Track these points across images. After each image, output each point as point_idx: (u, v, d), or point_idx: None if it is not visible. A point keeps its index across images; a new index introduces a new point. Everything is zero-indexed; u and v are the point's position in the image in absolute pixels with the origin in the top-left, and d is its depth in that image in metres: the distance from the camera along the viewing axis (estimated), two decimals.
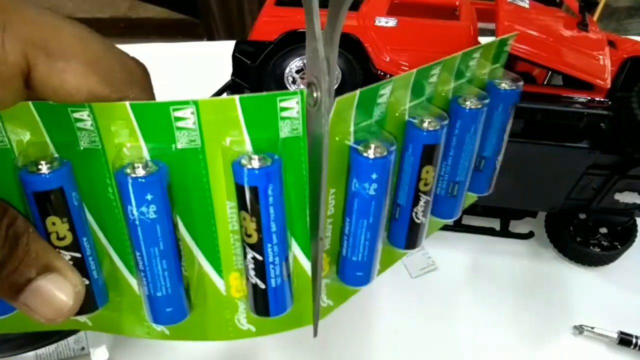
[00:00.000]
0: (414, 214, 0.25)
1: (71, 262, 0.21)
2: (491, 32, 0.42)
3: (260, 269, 0.22)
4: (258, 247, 0.22)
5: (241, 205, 0.21)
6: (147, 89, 0.21)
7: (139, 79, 0.21)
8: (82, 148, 0.20)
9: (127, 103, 0.19)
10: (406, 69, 0.42)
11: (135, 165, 0.20)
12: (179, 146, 0.20)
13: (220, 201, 0.22)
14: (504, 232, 0.54)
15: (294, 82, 0.41)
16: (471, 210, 0.52)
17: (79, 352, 0.42)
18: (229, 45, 0.44)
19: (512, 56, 0.41)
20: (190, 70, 0.73)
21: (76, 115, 0.19)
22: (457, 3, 0.48)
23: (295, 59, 0.42)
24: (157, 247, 0.21)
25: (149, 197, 0.20)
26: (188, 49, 0.78)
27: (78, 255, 0.22)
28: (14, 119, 0.20)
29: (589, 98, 0.41)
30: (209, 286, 0.24)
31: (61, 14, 0.19)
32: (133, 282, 0.24)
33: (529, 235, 0.54)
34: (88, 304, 0.22)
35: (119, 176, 0.20)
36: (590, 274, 0.52)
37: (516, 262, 0.52)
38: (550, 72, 0.50)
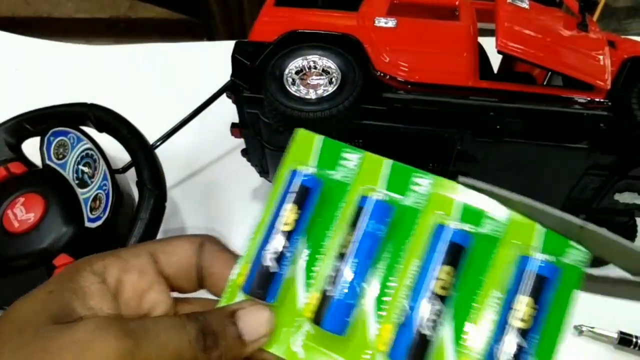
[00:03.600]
0: None
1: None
2: (491, 33, 0.42)
3: (518, 356, 0.24)
4: (524, 333, 0.24)
5: (525, 290, 0.24)
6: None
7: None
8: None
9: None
10: (406, 69, 0.42)
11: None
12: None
13: (489, 289, 0.26)
14: None
15: (293, 83, 0.41)
16: None
17: None
18: (228, 46, 0.44)
19: (512, 57, 0.41)
20: (190, 70, 0.73)
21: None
22: (456, 3, 0.48)
23: (295, 59, 0.42)
24: None
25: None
26: (188, 49, 0.78)
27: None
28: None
29: (589, 99, 0.41)
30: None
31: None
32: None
33: None
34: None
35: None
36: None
37: None
38: (549, 72, 0.50)
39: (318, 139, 0.29)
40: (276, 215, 0.27)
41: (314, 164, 0.28)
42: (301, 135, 0.29)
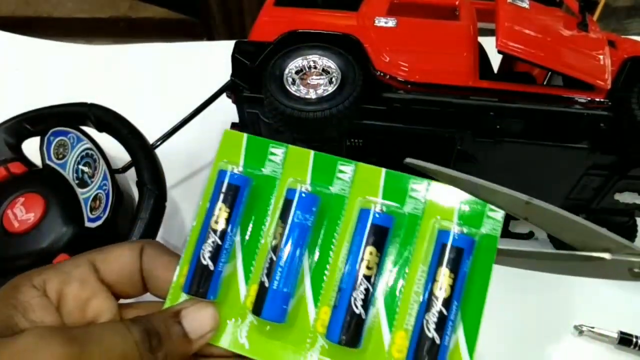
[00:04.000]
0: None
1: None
2: (491, 32, 0.42)
3: (441, 324, 0.26)
4: (446, 303, 0.26)
5: (444, 262, 0.26)
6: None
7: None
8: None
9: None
10: (406, 69, 0.42)
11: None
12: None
13: (415, 263, 0.27)
14: (504, 232, 0.54)
15: (293, 82, 0.41)
16: None
17: None
18: (228, 46, 0.44)
19: (512, 56, 0.41)
20: (190, 70, 0.73)
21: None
22: (456, 3, 0.48)
23: (295, 59, 0.42)
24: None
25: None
26: (188, 49, 0.78)
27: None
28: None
29: (589, 98, 0.41)
30: (376, 336, 0.27)
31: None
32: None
33: (529, 235, 0.54)
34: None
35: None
36: None
37: None
38: (550, 72, 0.50)
39: (244, 138, 0.30)
40: (209, 215, 0.28)
41: (242, 162, 0.30)
42: (228, 135, 0.30)
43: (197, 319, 0.27)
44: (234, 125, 0.48)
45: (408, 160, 0.28)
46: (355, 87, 0.41)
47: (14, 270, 0.45)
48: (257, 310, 0.27)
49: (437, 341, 0.25)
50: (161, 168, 0.48)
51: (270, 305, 0.27)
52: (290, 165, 0.29)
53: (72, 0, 1.76)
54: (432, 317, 0.26)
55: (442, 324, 0.26)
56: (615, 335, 0.46)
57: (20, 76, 0.74)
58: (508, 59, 0.52)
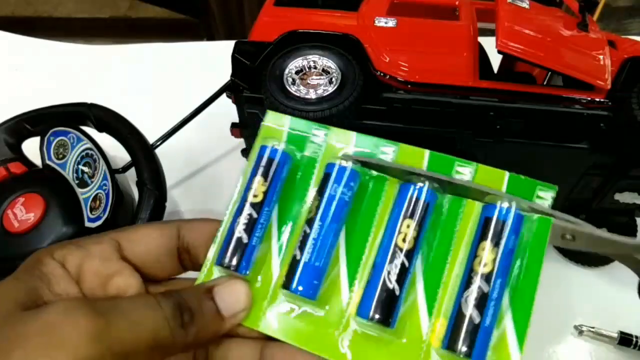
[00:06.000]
0: None
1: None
2: (491, 32, 0.42)
3: (482, 302, 0.23)
4: (487, 279, 0.24)
5: (486, 236, 0.24)
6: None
7: None
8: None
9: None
10: (406, 69, 0.42)
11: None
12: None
13: (458, 245, 0.26)
14: None
15: (293, 82, 0.41)
16: None
17: None
18: (228, 46, 0.44)
19: (512, 56, 0.41)
20: (190, 70, 0.73)
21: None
22: (456, 3, 0.48)
23: (295, 59, 0.42)
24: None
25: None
26: (188, 49, 0.78)
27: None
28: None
29: (589, 98, 0.41)
30: (414, 322, 0.25)
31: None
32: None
33: None
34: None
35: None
36: (590, 274, 0.51)
37: None
38: (550, 72, 0.50)
39: (287, 119, 0.30)
40: (247, 188, 0.28)
41: (284, 140, 0.29)
42: (270, 115, 0.30)
43: (231, 296, 0.26)
44: (234, 125, 0.48)
45: (343, 154, 0.28)
46: (355, 87, 0.41)
47: (14, 270, 0.45)
48: (287, 283, 0.26)
49: (477, 320, 0.23)
50: (161, 168, 0.48)
51: (301, 278, 0.26)
52: (331, 147, 0.29)
53: (72, 0, 1.76)
54: (471, 295, 0.23)
55: (482, 301, 0.23)
56: (615, 335, 0.46)
57: (20, 76, 0.74)
58: (508, 59, 0.52)
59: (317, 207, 0.27)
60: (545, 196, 0.26)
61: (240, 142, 0.50)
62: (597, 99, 0.41)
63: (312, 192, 0.28)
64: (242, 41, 0.45)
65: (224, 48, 0.47)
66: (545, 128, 0.42)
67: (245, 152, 0.52)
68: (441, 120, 0.42)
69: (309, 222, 0.27)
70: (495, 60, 0.50)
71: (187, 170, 0.62)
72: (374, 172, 0.28)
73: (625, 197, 0.46)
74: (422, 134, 0.43)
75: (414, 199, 0.26)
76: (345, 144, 0.28)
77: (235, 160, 0.60)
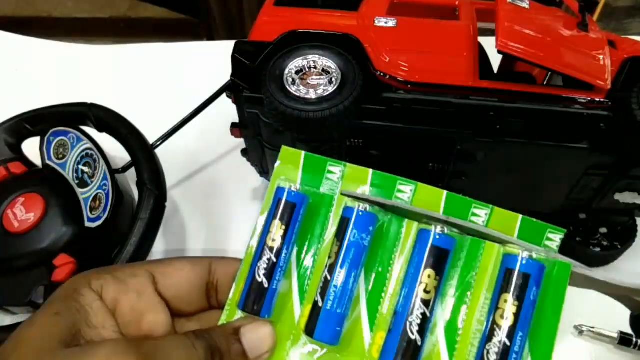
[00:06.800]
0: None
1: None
2: (491, 33, 0.42)
3: (504, 356, 0.24)
4: (510, 333, 0.24)
5: (508, 289, 0.25)
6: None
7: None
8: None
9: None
10: (406, 69, 0.42)
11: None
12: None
13: (478, 290, 0.26)
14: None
15: (293, 82, 0.41)
16: None
17: None
18: (228, 46, 0.44)
19: (512, 56, 0.41)
20: (190, 70, 0.73)
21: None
22: (456, 3, 0.48)
23: (295, 59, 0.42)
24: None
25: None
26: (188, 49, 0.78)
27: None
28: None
29: (589, 98, 0.41)
30: None
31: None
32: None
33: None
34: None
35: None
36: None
37: None
38: (550, 72, 0.50)
39: (302, 155, 0.29)
40: (265, 232, 0.28)
41: (300, 179, 0.29)
42: (285, 152, 0.30)
43: (257, 338, 0.26)
44: (234, 125, 0.48)
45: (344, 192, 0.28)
46: (355, 87, 0.41)
47: (14, 270, 0.45)
48: (309, 330, 0.26)
49: None
50: (161, 168, 0.48)
51: (323, 326, 0.26)
52: (347, 184, 0.29)
53: (72, 0, 1.76)
54: (493, 348, 0.24)
55: (504, 355, 0.24)
56: (615, 335, 0.46)
57: (20, 76, 0.74)
58: (508, 59, 0.52)
59: (337, 253, 0.27)
60: (555, 238, 0.27)
61: (240, 142, 0.50)
62: (597, 99, 0.41)
63: (330, 230, 0.28)
64: (242, 41, 0.45)
65: (224, 48, 0.47)
66: (545, 128, 0.42)
67: (245, 152, 0.52)
68: (441, 120, 0.42)
69: (330, 268, 0.27)
70: (495, 60, 0.50)
71: (187, 170, 0.62)
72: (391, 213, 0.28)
73: (625, 197, 0.46)
74: (422, 134, 0.43)
75: (433, 248, 0.26)
76: (361, 181, 0.28)
77: (235, 160, 0.60)
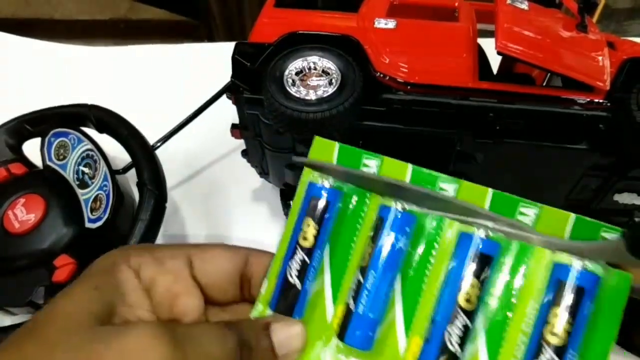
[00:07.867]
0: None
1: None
2: (491, 34, 0.43)
3: None
4: (560, 352, 0.22)
5: (557, 301, 0.23)
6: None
7: None
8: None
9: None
10: (405, 70, 0.42)
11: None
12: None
13: (524, 298, 0.24)
14: None
15: (293, 84, 0.41)
16: None
17: None
18: (228, 47, 0.45)
19: (511, 58, 0.41)
20: (190, 71, 0.73)
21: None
22: (456, 4, 0.48)
23: (295, 60, 0.42)
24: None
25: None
26: (188, 50, 0.78)
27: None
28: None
29: (588, 100, 0.42)
30: None
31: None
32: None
33: None
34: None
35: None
36: None
37: None
38: (549, 73, 0.50)
39: (335, 147, 0.27)
40: (297, 230, 0.27)
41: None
42: (318, 142, 0.27)
43: (287, 336, 0.26)
44: (234, 126, 0.48)
45: (295, 158, 0.27)
46: (355, 88, 0.41)
47: (15, 270, 0.45)
48: (341, 334, 0.26)
49: None
50: (161, 169, 0.48)
51: (354, 331, 0.25)
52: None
53: (72, 2, 1.76)
54: None
55: None
56: None
57: (20, 77, 0.74)
58: (507, 60, 0.52)
59: (370, 255, 0.25)
60: (609, 237, 0.24)
61: (241, 143, 0.50)
62: (596, 100, 0.41)
63: (364, 230, 0.27)
64: (243, 42, 0.45)
65: (224, 49, 0.47)
66: (544, 129, 0.42)
67: (245, 153, 0.52)
68: (441, 121, 0.42)
69: (362, 270, 0.26)
70: (495, 61, 0.50)
71: (188, 171, 0.63)
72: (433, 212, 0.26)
73: (625, 198, 0.46)
74: (421, 134, 0.43)
75: (477, 255, 0.24)
76: (399, 175, 0.26)
77: (235, 161, 0.60)
